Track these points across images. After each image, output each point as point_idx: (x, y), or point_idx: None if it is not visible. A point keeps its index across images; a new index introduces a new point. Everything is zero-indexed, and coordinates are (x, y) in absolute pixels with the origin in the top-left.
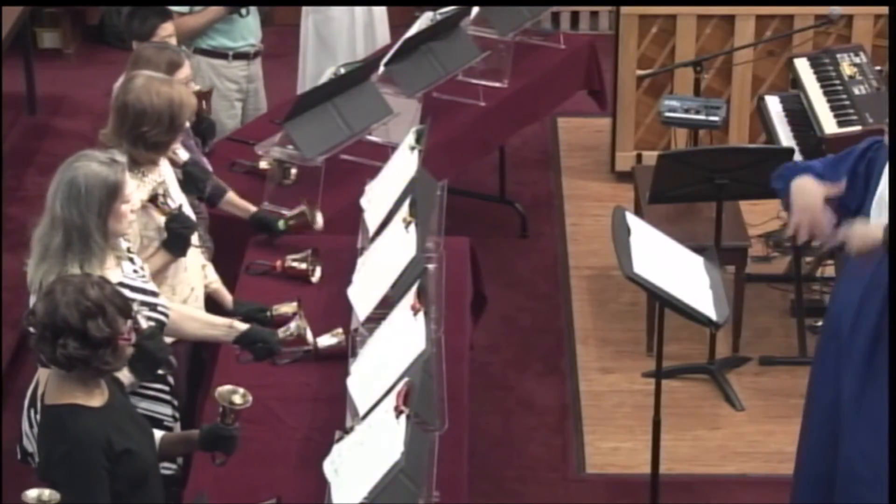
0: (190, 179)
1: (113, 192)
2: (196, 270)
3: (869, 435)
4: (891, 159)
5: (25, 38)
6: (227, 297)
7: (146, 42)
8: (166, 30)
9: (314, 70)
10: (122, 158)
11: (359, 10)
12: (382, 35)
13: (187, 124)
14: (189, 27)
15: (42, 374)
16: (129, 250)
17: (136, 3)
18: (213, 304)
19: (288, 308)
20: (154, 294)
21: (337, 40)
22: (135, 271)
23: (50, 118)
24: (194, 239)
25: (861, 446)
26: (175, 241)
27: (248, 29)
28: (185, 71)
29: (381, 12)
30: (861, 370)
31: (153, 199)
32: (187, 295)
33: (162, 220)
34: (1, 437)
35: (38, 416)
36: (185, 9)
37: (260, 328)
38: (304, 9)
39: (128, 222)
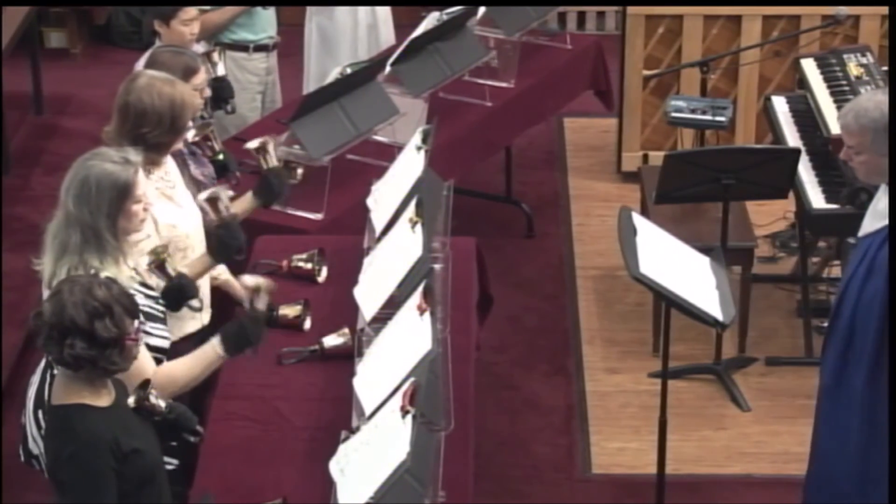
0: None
1: (123, 193)
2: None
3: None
4: (891, 159)
5: (32, 38)
6: (238, 288)
7: (167, 25)
8: (189, 13)
9: (318, 70)
10: (135, 158)
11: (362, 12)
12: (387, 36)
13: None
14: (213, 23)
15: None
16: (135, 270)
17: (141, 3)
18: (223, 297)
19: (293, 310)
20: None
21: (340, 41)
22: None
23: (56, 118)
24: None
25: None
26: (221, 249)
27: (268, 21)
28: (201, 76)
29: (385, 13)
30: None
31: (212, 201)
32: (202, 305)
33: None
34: (1, 437)
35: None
36: (205, 6)
37: (232, 323)
38: (308, 9)
39: (139, 221)
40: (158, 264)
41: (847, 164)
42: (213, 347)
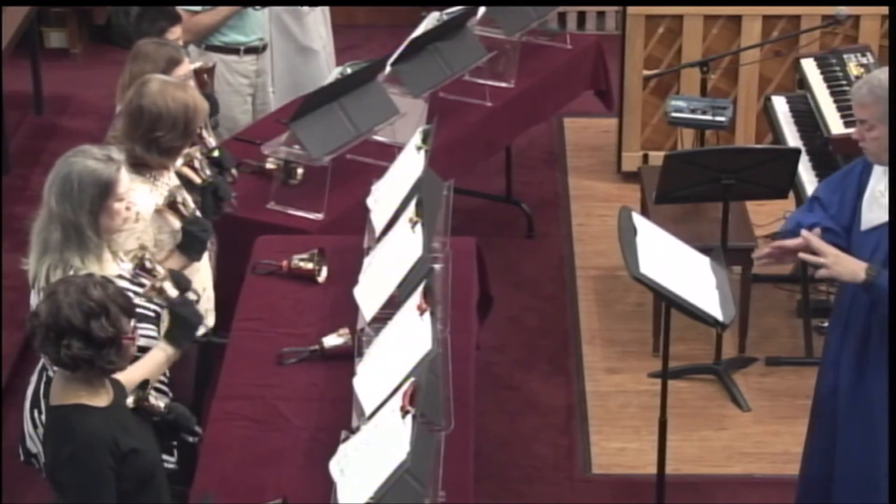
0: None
1: (105, 190)
2: (207, 272)
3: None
4: (891, 159)
5: (32, 38)
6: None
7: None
8: (174, 33)
9: (283, 65)
10: (118, 156)
11: (318, 11)
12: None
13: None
14: (204, 25)
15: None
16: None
17: (142, 3)
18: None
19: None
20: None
21: (306, 34)
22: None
23: (56, 118)
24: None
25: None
26: (193, 244)
27: (258, 23)
28: (184, 68)
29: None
30: (854, 365)
31: (171, 204)
32: (200, 296)
33: (177, 224)
34: (1, 436)
35: (43, 417)
36: (196, 7)
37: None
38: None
39: (121, 220)
40: (142, 266)
41: (860, 143)
42: (161, 349)
